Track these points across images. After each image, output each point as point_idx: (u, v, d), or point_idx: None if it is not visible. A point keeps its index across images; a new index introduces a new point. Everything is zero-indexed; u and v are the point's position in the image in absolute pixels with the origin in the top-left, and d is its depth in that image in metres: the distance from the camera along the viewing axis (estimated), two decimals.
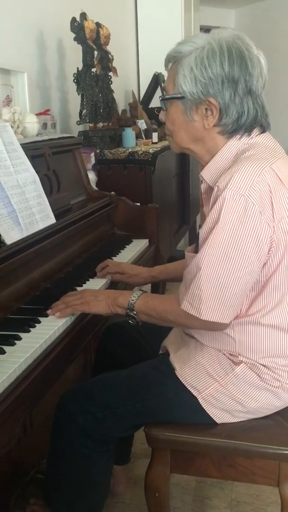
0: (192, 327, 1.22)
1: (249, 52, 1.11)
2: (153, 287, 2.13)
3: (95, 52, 2.55)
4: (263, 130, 1.18)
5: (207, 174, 1.20)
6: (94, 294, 1.30)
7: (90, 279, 1.54)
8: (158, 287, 2.11)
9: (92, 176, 2.28)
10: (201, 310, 1.10)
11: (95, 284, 1.51)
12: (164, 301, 1.23)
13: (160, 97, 1.22)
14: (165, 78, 1.23)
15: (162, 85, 3.60)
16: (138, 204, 2.18)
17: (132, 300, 1.25)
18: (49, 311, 1.26)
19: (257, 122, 1.15)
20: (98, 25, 2.56)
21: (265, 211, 1.06)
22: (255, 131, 1.16)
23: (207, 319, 1.10)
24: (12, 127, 1.55)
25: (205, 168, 1.21)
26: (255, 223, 1.06)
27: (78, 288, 1.46)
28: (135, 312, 1.24)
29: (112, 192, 2.14)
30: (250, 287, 1.13)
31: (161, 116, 1.24)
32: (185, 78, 1.13)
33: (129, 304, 1.25)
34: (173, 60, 1.16)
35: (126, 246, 1.93)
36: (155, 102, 3.60)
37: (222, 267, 1.07)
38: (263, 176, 1.07)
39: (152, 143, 3.02)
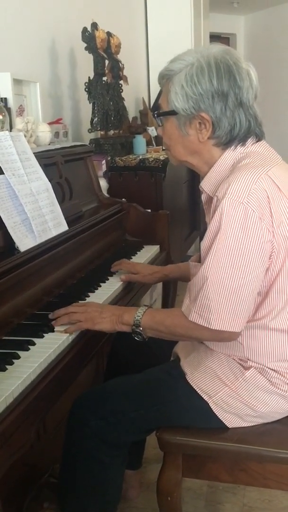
0: (202, 339, 1.23)
1: (237, 66, 1.15)
2: (164, 290, 2.15)
3: (106, 61, 2.59)
4: (258, 139, 1.20)
5: (207, 185, 1.23)
6: (99, 309, 1.28)
7: (102, 285, 1.57)
8: (169, 290, 2.13)
9: (103, 183, 2.31)
10: (210, 320, 1.11)
11: (107, 289, 1.54)
12: (172, 315, 1.22)
13: (155, 113, 1.26)
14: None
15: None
16: (149, 210, 2.20)
17: (138, 316, 1.23)
18: (54, 323, 1.24)
19: (250, 132, 1.19)
20: (108, 34, 2.60)
21: (264, 217, 1.08)
22: (250, 141, 1.19)
23: (218, 329, 1.11)
24: (25, 136, 1.58)
25: (204, 179, 1.24)
26: (256, 229, 1.08)
27: (91, 294, 1.48)
28: (141, 328, 1.23)
29: (123, 199, 2.16)
30: (257, 293, 1.15)
31: (159, 131, 1.30)
32: (177, 95, 1.16)
33: (135, 320, 1.23)
34: (166, 77, 1.21)
35: (138, 252, 1.96)
36: None
37: (228, 276, 1.09)
38: (260, 183, 1.09)
39: (163, 150, 3.04)
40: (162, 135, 1.27)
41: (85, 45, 2.48)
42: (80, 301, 1.40)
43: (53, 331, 1.23)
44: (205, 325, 1.12)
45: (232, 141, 1.18)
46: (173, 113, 1.19)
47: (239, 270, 1.09)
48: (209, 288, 1.10)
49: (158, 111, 1.26)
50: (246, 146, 1.19)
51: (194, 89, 1.14)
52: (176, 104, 1.18)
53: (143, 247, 2.02)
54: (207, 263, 1.11)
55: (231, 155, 1.19)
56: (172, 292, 2.15)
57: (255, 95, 1.18)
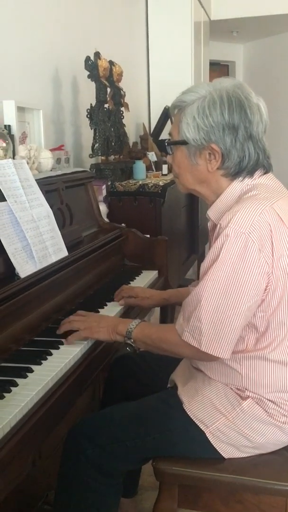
0: (184, 356, 1.27)
1: (248, 100, 1.18)
2: (162, 313, 2.16)
3: (108, 89, 2.64)
4: (265, 172, 1.23)
5: (213, 213, 1.26)
6: (98, 320, 1.36)
7: (100, 310, 1.58)
8: (167, 313, 2.14)
9: (103, 208, 2.33)
10: (201, 342, 1.14)
11: (106, 314, 1.54)
12: (160, 330, 1.29)
13: (166, 142, 1.30)
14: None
15: (172, 119, 3.70)
16: (148, 235, 2.22)
17: (130, 328, 1.29)
18: (58, 331, 1.34)
19: (259, 165, 1.22)
20: (111, 63, 2.65)
21: (264, 249, 1.10)
22: (258, 173, 1.22)
23: (207, 352, 1.14)
24: (27, 163, 1.61)
25: (211, 207, 1.28)
26: (254, 260, 1.10)
27: None
28: (132, 340, 1.29)
29: (123, 224, 2.19)
30: (249, 324, 1.16)
31: (168, 159, 1.33)
32: (188, 126, 1.20)
33: (127, 332, 1.29)
34: (178, 108, 1.24)
35: (136, 277, 1.97)
36: (165, 135, 3.69)
37: (221, 302, 1.12)
38: (263, 215, 1.12)
39: (162, 175, 3.09)
40: (172, 163, 1.31)
41: (87, 73, 2.54)
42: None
43: (51, 354, 1.24)
44: (196, 346, 1.14)
45: (241, 173, 1.21)
46: (183, 142, 1.23)
47: (233, 299, 1.11)
48: (202, 312, 1.13)
49: (168, 139, 1.30)
50: (253, 178, 1.22)
51: (206, 121, 1.18)
52: (187, 135, 1.21)
53: (142, 272, 2.03)
54: (202, 286, 1.13)
55: (238, 186, 1.22)
56: (170, 318, 2.16)
57: (264, 129, 1.21)
